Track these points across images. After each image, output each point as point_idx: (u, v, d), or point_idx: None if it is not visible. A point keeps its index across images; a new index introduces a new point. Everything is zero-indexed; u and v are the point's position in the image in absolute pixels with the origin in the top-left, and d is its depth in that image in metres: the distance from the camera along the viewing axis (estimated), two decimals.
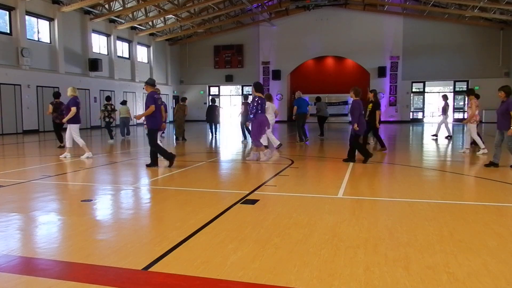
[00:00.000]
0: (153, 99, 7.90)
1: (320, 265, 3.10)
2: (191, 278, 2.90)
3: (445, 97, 15.00)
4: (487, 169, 7.76)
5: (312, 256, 3.29)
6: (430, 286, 2.74)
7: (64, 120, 9.99)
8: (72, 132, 9.74)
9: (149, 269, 3.04)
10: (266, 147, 11.32)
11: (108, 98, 15.39)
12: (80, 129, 10.03)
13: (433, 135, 15.08)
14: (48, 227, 4.25)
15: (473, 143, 10.55)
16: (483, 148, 10.13)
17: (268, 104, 11.22)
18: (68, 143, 9.86)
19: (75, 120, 9.72)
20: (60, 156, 9.78)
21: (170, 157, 8.09)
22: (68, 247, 3.60)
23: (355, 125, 8.47)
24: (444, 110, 14.84)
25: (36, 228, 4.22)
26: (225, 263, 3.14)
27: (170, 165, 8.05)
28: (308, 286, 2.76)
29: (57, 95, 12.40)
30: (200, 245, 3.55)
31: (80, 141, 9.73)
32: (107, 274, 3.01)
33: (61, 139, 12.19)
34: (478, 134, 10.40)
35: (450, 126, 15.45)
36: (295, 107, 13.77)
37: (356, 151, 8.82)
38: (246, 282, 2.82)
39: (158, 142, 9.53)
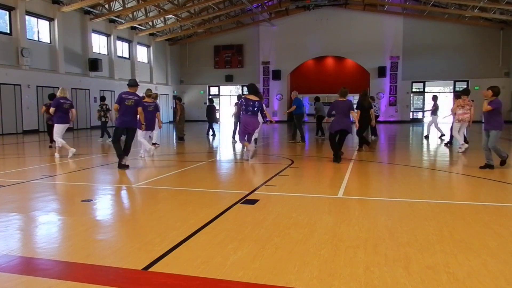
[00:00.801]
0: (118, 98, 8.02)
1: (320, 265, 3.10)
2: (191, 278, 2.89)
3: (435, 98, 15.03)
4: (487, 169, 7.75)
5: (312, 256, 3.28)
6: (430, 286, 2.74)
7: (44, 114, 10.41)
8: (54, 130, 9.92)
9: (149, 269, 3.04)
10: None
11: (103, 98, 15.57)
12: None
13: (439, 136, 15.10)
14: (48, 227, 4.25)
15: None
16: (462, 144, 10.47)
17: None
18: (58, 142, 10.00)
19: (57, 120, 9.88)
20: (69, 156, 9.75)
21: (120, 164, 8.03)
22: (68, 247, 3.60)
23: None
24: (434, 111, 14.86)
25: (36, 228, 4.22)
26: (225, 263, 3.14)
27: (118, 167, 8.02)
28: (308, 286, 2.76)
29: (51, 97, 12.46)
30: (200, 245, 3.55)
31: (59, 140, 9.83)
32: (107, 274, 3.01)
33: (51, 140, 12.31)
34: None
35: (439, 126, 15.40)
36: (294, 107, 13.82)
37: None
38: (246, 282, 2.81)
39: (143, 141, 9.56)
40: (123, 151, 8.08)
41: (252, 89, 9.25)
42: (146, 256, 3.30)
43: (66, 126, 10.06)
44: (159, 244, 3.57)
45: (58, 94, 10.02)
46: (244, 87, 32.19)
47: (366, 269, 3.01)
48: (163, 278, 2.90)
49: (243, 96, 9.31)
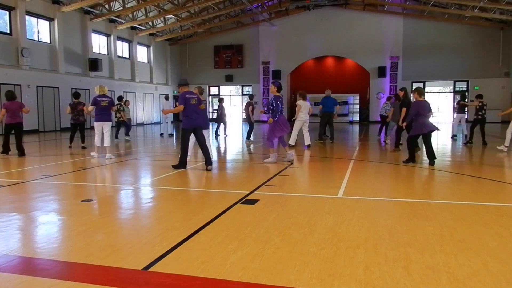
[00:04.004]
0: (183, 98, 7.68)
1: (320, 265, 3.10)
2: (191, 278, 2.89)
3: (462, 97, 14.93)
4: (487, 169, 7.76)
5: (312, 256, 3.29)
6: (430, 286, 2.74)
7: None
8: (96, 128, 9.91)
9: (149, 269, 3.04)
10: (292, 146, 11.62)
11: (120, 98, 15.66)
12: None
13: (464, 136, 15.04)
14: (48, 227, 4.25)
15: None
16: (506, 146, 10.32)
17: (302, 102, 11.61)
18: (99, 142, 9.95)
19: (95, 118, 9.85)
20: (92, 153, 9.86)
21: (182, 163, 7.91)
22: (68, 247, 3.60)
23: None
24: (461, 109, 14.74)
25: (36, 228, 4.22)
26: (225, 263, 3.14)
27: (177, 167, 7.93)
28: (308, 286, 2.76)
29: (76, 95, 12.48)
30: (200, 245, 3.55)
31: (96, 140, 9.82)
32: (107, 274, 3.01)
33: (72, 140, 12.35)
34: None
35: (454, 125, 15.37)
36: (320, 106, 13.87)
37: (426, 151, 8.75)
38: (246, 282, 2.81)
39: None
40: (205, 157, 7.84)
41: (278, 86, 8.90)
42: (146, 256, 3.30)
43: (102, 124, 9.81)
44: (159, 244, 3.57)
45: (97, 92, 9.88)
46: (244, 87, 32.26)
47: (366, 269, 3.01)
48: (163, 278, 2.90)
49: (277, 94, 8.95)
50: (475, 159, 9.57)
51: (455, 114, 14.87)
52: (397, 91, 11.70)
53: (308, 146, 11.72)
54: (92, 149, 10.10)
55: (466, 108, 14.60)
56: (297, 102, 11.77)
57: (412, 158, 8.58)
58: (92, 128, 10.02)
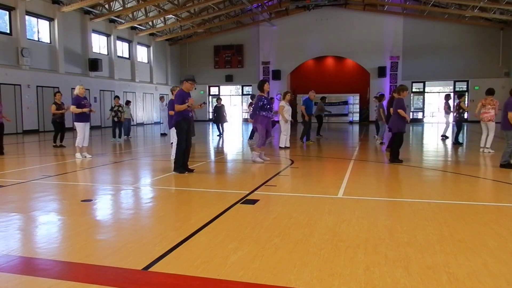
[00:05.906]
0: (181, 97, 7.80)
1: (320, 265, 3.10)
2: (191, 278, 2.90)
3: (447, 97, 15.05)
4: (487, 169, 7.75)
5: (312, 256, 3.29)
6: (430, 286, 2.74)
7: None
8: (77, 129, 9.95)
9: (149, 269, 3.04)
10: (287, 147, 11.57)
11: (117, 98, 15.67)
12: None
13: (442, 136, 15.06)
14: (48, 227, 4.25)
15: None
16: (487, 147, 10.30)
17: (283, 102, 11.63)
18: (84, 142, 9.93)
19: (77, 118, 9.87)
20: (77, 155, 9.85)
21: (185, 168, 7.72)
22: (68, 247, 3.60)
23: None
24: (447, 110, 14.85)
25: (36, 228, 4.22)
26: (225, 263, 3.14)
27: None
28: (308, 286, 2.76)
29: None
30: (200, 245, 3.55)
31: (77, 140, 9.82)
32: (107, 274, 3.01)
33: (55, 139, 12.38)
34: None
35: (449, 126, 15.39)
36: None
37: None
38: (246, 282, 2.81)
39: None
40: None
41: (260, 85, 9.10)
42: (146, 256, 3.30)
43: (88, 124, 9.96)
44: (159, 244, 3.57)
45: (75, 92, 9.92)
46: (244, 87, 32.26)
47: (366, 269, 3.01)
48: (163, 278, 2.90)
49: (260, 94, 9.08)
50: (475, 159, 9.57)
51: (448, 115, 15.01)
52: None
53: (287, 147, 11.67)
54: (85, 150, 10.03)
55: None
56: (281, 104, 11.69)
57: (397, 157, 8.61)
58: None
